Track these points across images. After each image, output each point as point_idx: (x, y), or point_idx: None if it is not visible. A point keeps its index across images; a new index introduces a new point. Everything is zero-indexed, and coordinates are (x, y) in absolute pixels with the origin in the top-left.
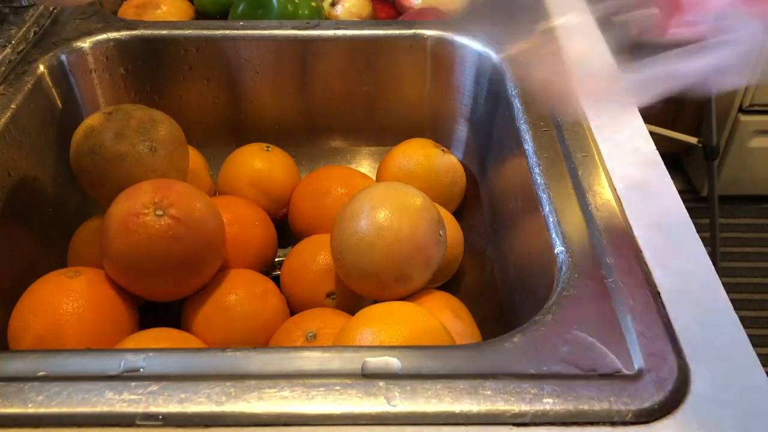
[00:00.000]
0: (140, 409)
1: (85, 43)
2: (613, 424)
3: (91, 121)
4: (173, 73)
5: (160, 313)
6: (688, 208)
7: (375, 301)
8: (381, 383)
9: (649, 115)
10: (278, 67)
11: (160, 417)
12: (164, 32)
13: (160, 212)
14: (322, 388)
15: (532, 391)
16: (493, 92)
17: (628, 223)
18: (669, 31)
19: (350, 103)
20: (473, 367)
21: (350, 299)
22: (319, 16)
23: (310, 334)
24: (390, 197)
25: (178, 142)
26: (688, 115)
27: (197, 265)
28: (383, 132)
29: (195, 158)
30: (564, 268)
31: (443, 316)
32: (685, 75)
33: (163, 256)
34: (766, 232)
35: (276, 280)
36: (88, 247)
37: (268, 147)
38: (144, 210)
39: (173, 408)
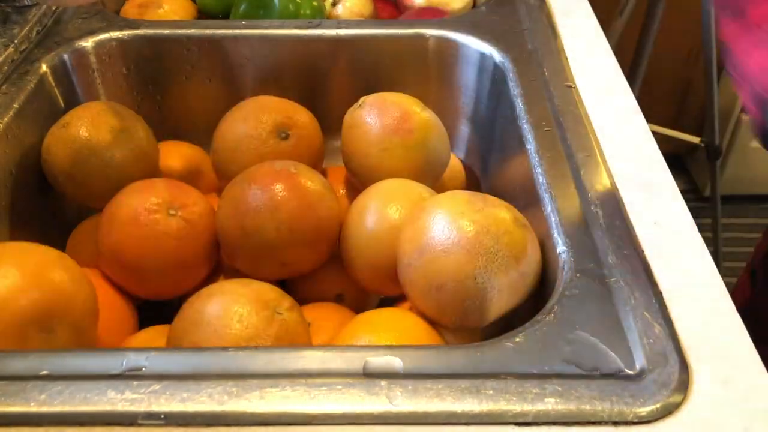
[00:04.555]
0: (142, 408)
1: (88, 43)
2: (615, 424)
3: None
4: (175, 72)
5: (159, 312)
6: (690, 208)
7: (381, 305)
8: (383, 382)
9: (652, 114)
10: (280, 66)
11: (162, 416)
12: (166, 32)
13: (173, 212)
14: (323, 388)
15: (534, 391)
16: (495, 92)
17: (631, 223)
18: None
19: (352, 103)
20: (475, 367)
21: (359, 302)
22: (320, 16)
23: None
24: (388, 194)
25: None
26: (690, 115)
27: (195, 267)
28: None
29: (198, 156)
30: (566, 268)
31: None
32: None
33: (166, 253)
34: None
35: (283, 281)
36: (86, 246)
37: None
38: (156, 207)
39: (175, 407)
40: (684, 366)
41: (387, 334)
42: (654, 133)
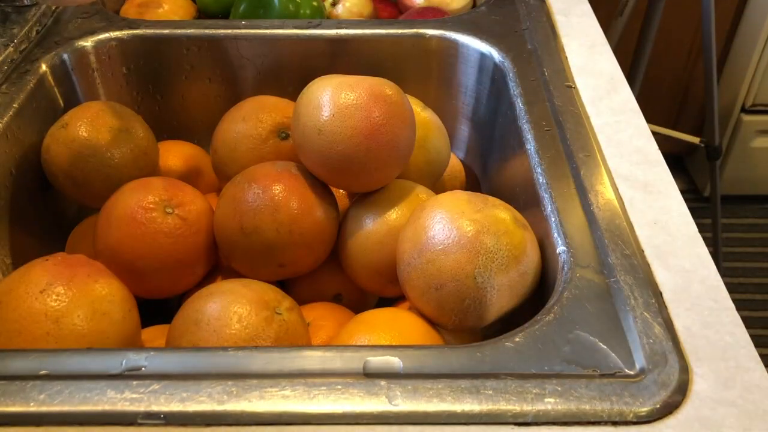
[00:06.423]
0: (142, 408)
1: (87, 42)
2: (615, 423)
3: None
4: (175, 72)
5: (159, 312)
6: (690, 208)
7: (379, 305)
8: (382, 382)
9: (652, 114)
10: (279, 66)
11: (162, 416)
12: (166, 31)
13: (170, 210)
14: (323, 387)
15: (534, 391)
16: (495, 91)
17: (630, 223)
18: None
19: None
20: (475, 367)
21: (357, 302)
22: (320, 16)
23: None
24: (387, 195)
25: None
26: (690, 115)
27: (192, 266)
28: None
29: (198, 156)
30: (566, 268)
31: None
32: None
33: (163, 251)
34: None
35: (282, 281)
36: (85, 246)
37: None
38: (153, 205)
39: (175, 407)
40: (684, 366)
41: (386, 334)
42: (654, 133)
